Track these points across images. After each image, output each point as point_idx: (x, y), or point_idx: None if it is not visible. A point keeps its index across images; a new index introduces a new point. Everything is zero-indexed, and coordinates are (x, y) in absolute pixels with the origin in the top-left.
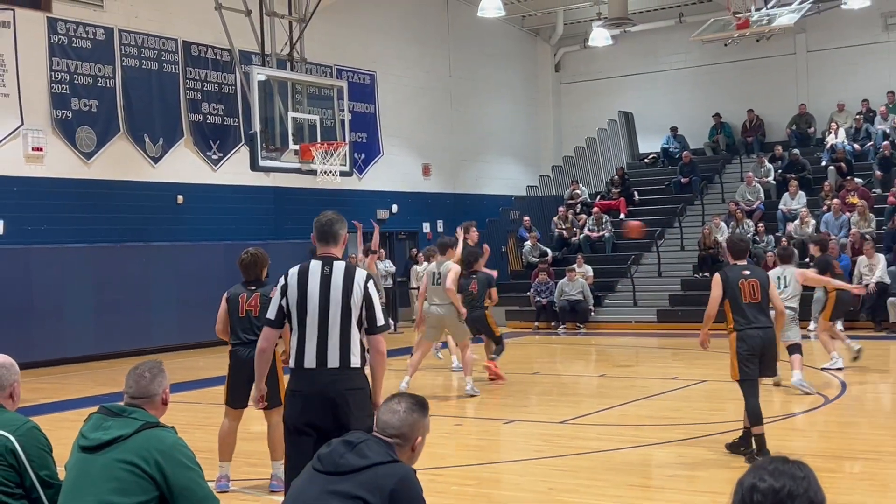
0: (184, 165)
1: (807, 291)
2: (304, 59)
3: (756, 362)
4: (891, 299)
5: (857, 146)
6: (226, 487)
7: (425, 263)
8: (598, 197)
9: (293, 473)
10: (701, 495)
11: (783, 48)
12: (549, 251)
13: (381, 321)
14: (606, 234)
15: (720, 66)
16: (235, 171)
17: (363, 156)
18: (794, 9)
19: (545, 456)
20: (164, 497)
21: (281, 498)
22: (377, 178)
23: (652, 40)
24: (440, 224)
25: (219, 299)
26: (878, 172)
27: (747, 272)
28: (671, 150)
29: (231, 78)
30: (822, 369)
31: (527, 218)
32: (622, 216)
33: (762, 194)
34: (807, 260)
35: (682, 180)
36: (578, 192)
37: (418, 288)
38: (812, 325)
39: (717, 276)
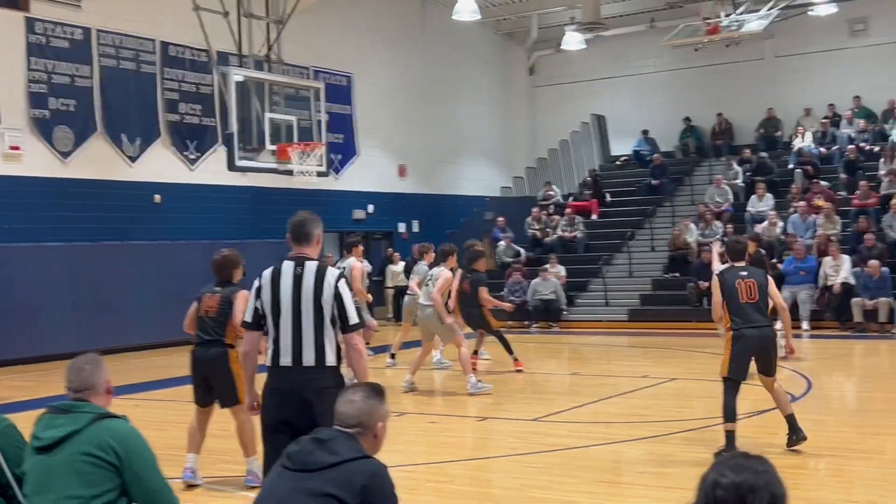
0: (161, 165)
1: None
2: (281, 61)
3: (747, 363)
4: (855, 299)
5: (823, 150)
6: (191, 478)
7: (422, 264)
8: (571, 198)
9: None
10: (670, 491)
11: (752, 53)
12: (522, 251)
13: (353, 319)
14: (579, 235)
15: (690, 71)
16: (213, 170)
17: (340, 156)
18: (762, 15)
19: (518, 453)
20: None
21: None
22: (354, 178)
23: (624, 45)
24: (416, 224)
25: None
26: (843, 176)
27: (744, 273)
28: (642, 152)
29: (208, 78)
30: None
31: (501, 218)
32: (594, 217)
33: (731, 196)
34: (774, 261)
35: (653, 182)
36: (551, 193)
37: (394, 287)
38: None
39: (714, 279)
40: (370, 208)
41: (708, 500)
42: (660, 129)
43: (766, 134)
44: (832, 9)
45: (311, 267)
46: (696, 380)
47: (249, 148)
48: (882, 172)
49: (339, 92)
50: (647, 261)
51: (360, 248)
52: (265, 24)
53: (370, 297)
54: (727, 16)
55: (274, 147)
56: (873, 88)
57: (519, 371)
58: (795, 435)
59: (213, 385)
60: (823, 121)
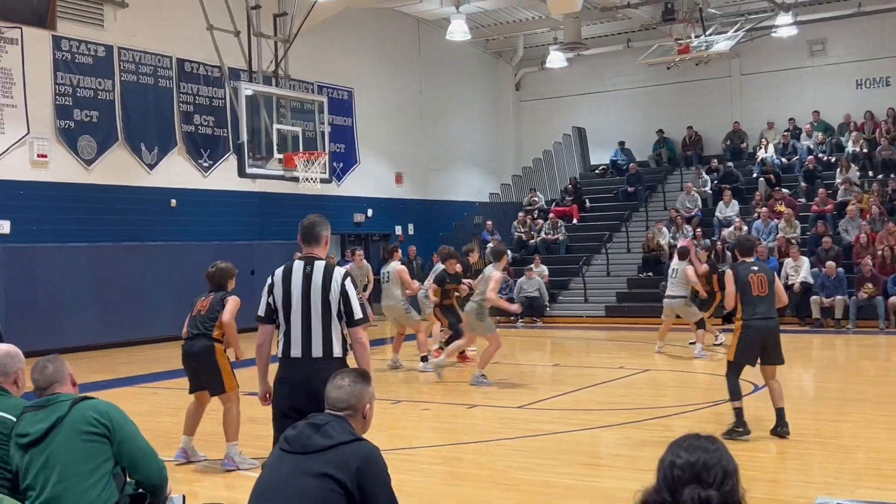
0: (177, 172)
1: None
2: (287, 76)
3: (754, 351)
4: (813, 297)
5: (784, 160)
6: (180, 457)
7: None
8: (554, 204)
9: None
10: (644, 473)
11: (719, 71)
12: (509, 252)
13: (358, 314)
14: (561, 238)
15: (663, 87)
16: (224, 177)
17: (341, 164)
18: (729, 36)
19: (504, 437)
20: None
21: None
22: (354, 185)
23: (602, 63)
24: (411, 227)
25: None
26: (803, 184)
27: (755, 268)
28: (619, 162)
29: (221, 92)
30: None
31: (489, 222)
32: (575, 221)
33: (700, 203)
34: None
35: (629, 189)
36: (536, 199)
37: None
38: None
39: (728, 272)
40: (369, 212)
41: (666, 479)
42: (635, 140)
43: (733, 145)
44: (793, 31)
45: (319, 266)
46: (668, 371)
47: (258, 156)
48: (838, 181)
49: (341, 105)
50: (623, 261)
51: (399, 252)
52: (273, 43)
53: (416, 286)
54: (697, 37)
55: (281, 156)
56: (830, 104)
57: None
58: (781, 427)
59: (201, 374)
60: (785, 133)
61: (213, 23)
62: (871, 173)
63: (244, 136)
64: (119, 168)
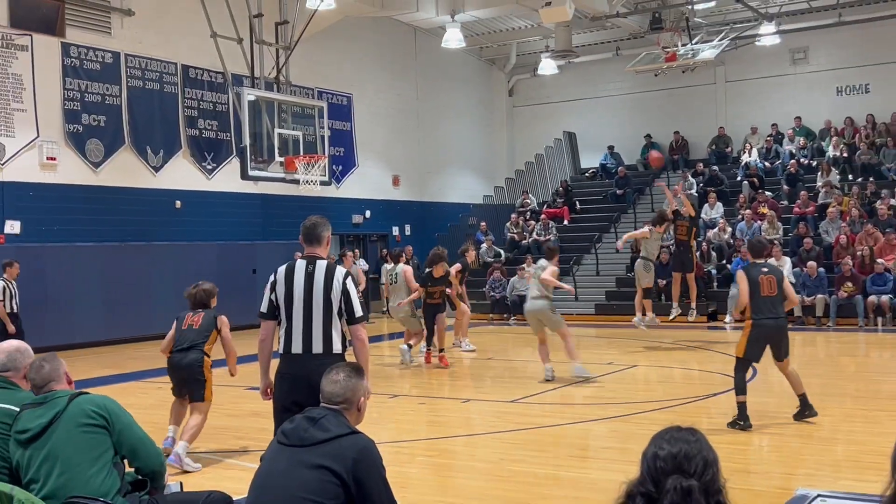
0: (182, 174)
1: (722, 289)
2: (288, 82)
3: (761, 349)
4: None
5: (767, 164)
6: (168, 444)
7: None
8: (545, 206)
9: None
10: (631, 465)
11: (705, 79)
12: (502, 252)
13: (358, 312)
14: (552, 238)
15: (651, 94)
16: (227, 179)
17: (340, 167)
18: (714, 45)
19: (498, 431)
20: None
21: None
22: (352, 187)
23: (593, 70)
24: (407, 228)
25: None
26: (785, 187)
27: (765, 269)
28: (608, 165)
29: (224, 98)
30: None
31: (483, 223)
32: (566, 222)
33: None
34: (724, 262)
35: (618, 192)
36: (528, 201)
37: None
38: (728, 318)
39: (741, 272)
40: (367, 214)
41: (650, 470)
42: (624, 145)
43: (718, 150)
44: (776, 40)
45: (321, 265)
46: (656, 367)
47: (260, 159)
48: (819, 184)
49: (340, 110)
50: (612, 261)
51: (404, 256)
52: (275, 50)
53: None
54: (683, 45)
55: (282, 159)
56: (812, 110)
57: (428, 361)
58: (808, 411)
59: (187, 383)
60: (768, 138)
61: (216, 30)
62: (850, 177)
63: (247, 140)
64: (125, 170)
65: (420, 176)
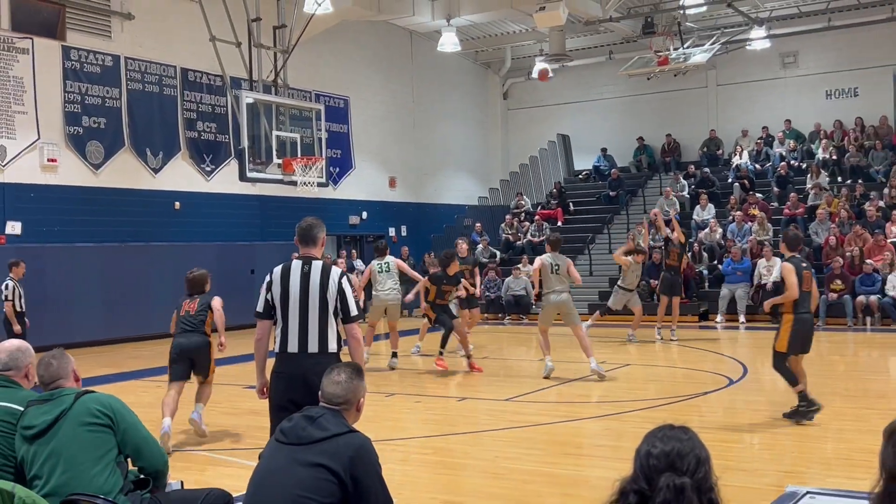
0: (181, 176)
1: (714, 289)
2: (286, 85)
3: (802, 342)
4: None
5: (758, 166)
6: (167, 430)
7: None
8: (540, 207)
9: None
10: (624, 462)
11: (697, 82)
12: (497, 253)
13: (353, 312)
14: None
15: (643, 97)
16: (226, 181)
17: (337, 169)
18: (706, 49)
19: (492, 429)
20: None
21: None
22: (349, 188)
23: (586, 74)
24: (404, 229)
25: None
26: (775, 189)
27: (804, 263)
28: (602, 167)
29: (223, 100)
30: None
31: (478, 224)
32: (559, 223)
33: (678, 206)
34: (714, 262)
35: (611, 193)
36: (522, 202)
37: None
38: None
39: (787, 265)
40: (364, 215)
41: (643, 468)
42: (617, 147)
43: (709, 152)
44: (766, 44)
45: (317, 265)
46: (648, 366)
47: (258, 161)
48: (809, 186)
49: (338, 113)
50: (605, 262)
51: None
52: (273, 54)
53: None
54: (675, 49)
55: (280, 161)
56: (802, 113)
57: (442, 366)
58: (807, 406)
59: (196, 364)
60: (758, 141)
61: (215, 34)
62: (839, 179)
63: (245, 142)
64: (125, 172)
65: (416, 177)
